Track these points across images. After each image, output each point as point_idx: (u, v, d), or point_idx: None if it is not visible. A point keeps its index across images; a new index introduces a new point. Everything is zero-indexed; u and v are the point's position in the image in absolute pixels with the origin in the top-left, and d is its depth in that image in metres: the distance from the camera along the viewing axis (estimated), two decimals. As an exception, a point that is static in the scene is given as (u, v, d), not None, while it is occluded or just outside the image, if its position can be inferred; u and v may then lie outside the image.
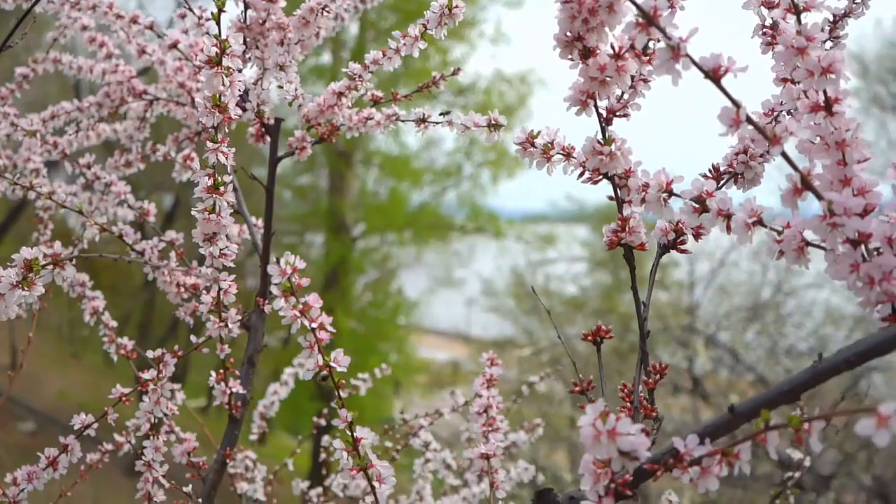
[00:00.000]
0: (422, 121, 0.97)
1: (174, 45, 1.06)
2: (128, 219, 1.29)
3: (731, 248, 6.79)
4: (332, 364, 0.65)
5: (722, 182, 0.71)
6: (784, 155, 0.53)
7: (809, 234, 0.56)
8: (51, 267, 0.67)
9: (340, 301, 10.77)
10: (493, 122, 0.85)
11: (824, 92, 0.55)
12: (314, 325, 0.64)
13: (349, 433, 0.66)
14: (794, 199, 0.53)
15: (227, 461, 1.01)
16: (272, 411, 1.47)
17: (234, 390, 0.99)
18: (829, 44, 0.74)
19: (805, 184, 0.53)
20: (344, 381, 0.67)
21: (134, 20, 1.13)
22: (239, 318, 0.93)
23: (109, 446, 1.16)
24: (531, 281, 9.90)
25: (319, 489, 1.40)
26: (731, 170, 0.70)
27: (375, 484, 0.66)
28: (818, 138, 0.55)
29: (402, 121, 0.99)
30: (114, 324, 1.12)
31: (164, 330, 8.87)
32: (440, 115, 0.91)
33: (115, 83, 1.22)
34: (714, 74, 0.52)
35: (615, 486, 0.56)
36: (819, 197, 0.53)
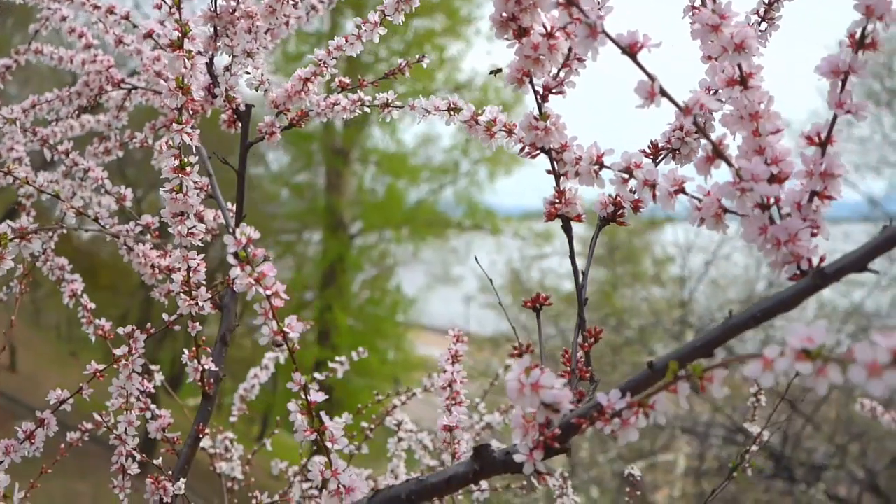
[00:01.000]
0: (385, 105, 1.01)
1: (149, 35, 1.10)
2: (112, 207, 1.33)
3: (723, 240, 6.83)
4: (285, 330, 0.68)
5: (660, 157, 0.74)
6: (697, 126, 0.56)
7: (727, 202, 0.60)
8: (18, 240, 0.71)
9: (338, 298, 10.81)
10: (452, 106, 0.88)
11: (739, 66, 0.58)
12: (269, 292, 0.67)
13: (304, 396, 0.70)
14: (706, 166, 0.57)
15: (200, 436, 1.05)
16: (252, 395, 1.50)
17: (206, 367, 1.02)
18: (763, 25, 0.77)
19: (717, 152, 0.56)
20: (298, 347, 0.70)
21: (110, 10, 1.16)
22: (209, 296, 0.96)
23: (89, 425, 1.19)
24: (527, 277, 9.94)
25: (296, 467, 1.44)
26: (668, 146, 0.74)
27: (328, 444, 0.70)
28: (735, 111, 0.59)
29: (368, 106, 1.03)
30: (92, 305, 1.15)
31: (162, 329, 8.92)
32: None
33: (94, 72, 1.25)
34: (631, 50, 0.56)
35: (544, 439, 0.59)
36: (729, 164, 0.56)
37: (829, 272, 0.52)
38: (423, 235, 12.11)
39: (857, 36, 0.56)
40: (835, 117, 0.57)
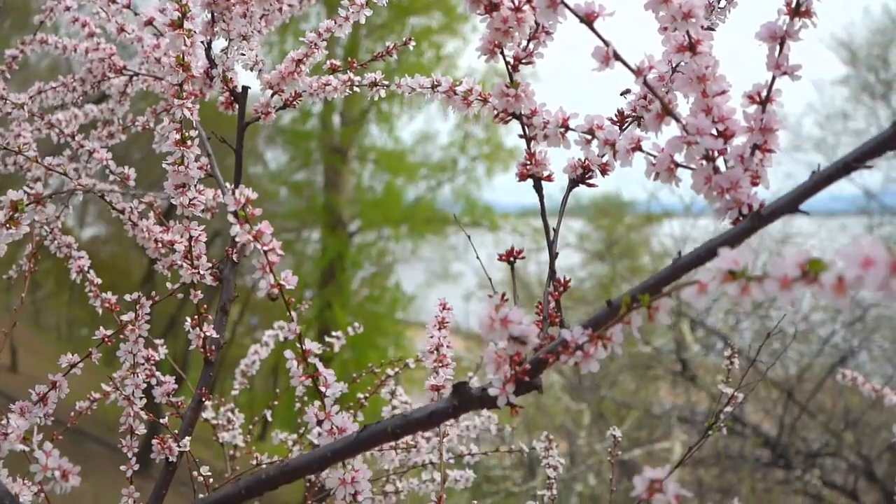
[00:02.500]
0: (374, 84, 1.07)
1: (149, 22, 1.16)
2: (115, 189, 1.39)
3: (716, 231, 6.87)
4: (282, 283, 0.75)
5: (626, 124, 0.80)
6: (647, 85, 0.62)
7: (679, 158, 0.66)
8: (33, 205, 0.77)
9: (338, 296, 10.87)
10: (435, 83, 0.94)
11: (687, 34, 0.64)
12: (266, 248, 0.73)
13: (299, 345, 0.76)
14: (657, 123, 0.63)
15: (203, 400, 1.11)
16: (253, 370, 1.56)
17: (207, 334, 1.08)
18: (723, 2, 0.83)
19: (665, 110, 0.62)
20: (294, 300, 0.76)
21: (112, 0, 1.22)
22: (210, 265, 1.02)
23: (97, 395, 1.25)
24: (525, 273, 9.99)
25: (295, 436, 1.50)
26: (633, 113, 0.80)
27: (322, 389, 0.76)
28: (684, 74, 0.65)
29: (357, 86, 1.09)
30: (98, 281, 1.21)
31: (163, 327, 8.98)
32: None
33: (97, 60, 1.31)
34: (588, 19, 0.62)
35: (516, 374, 0.65)
36: (678, 120, 0.62)
37: (764, 214, 0.58)
38: (422, 233, 12.16)
39: (793, 5, 0.62)
40: (773, 77, 0.63)
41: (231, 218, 0.73)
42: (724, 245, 0.60)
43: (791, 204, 0.57)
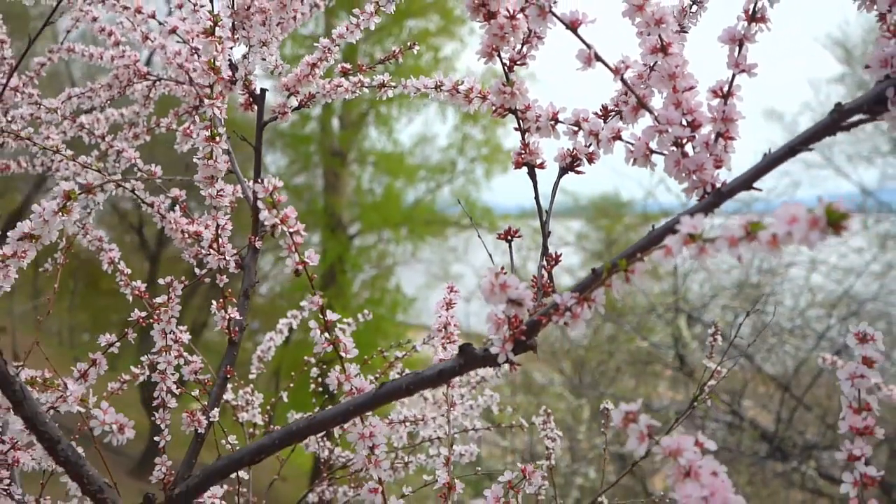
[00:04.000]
0: (382, 85, 1.17)
1: (173, 31, 1.26)
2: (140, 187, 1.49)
3: (710, 228, 6.97)
4: (305, 260, 0.85)
5: (609, 118, 0.90)
6: (624, 82, 0.72)
7: (653, 145, 0.76)
8: (85, 194, 0.87)
9: (338, 299, 10.96)
10: (438, 84, 1.04)
11: (660, 37, 0.74)
12: (292, 230, 0.83)
13: (322, 316, 0.86)
14: (633, 115, 0.73)
15: (228, 376, 1.20)
16: (269, 356, 1.66)
17: (232, 317, 1.18)
18: (695, 7, 0.93)
19: (640, 104, 0.72)
20: (315, 275, 0.86)
21: (138, 10, 1.32)
22: (235, 252, 1.12)
23: (127, 376, 1.35)
24: (524, 272, 10.07)
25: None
26: (616, 108, 0.90)
27: (342, 354, 0.86)
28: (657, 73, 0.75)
29: (367, 87, 1.19)
30: (128, 270, 1.31)
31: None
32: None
33: (123, 67, 1.41)
34: (573, 25, 0.72)
35: (514, 333, 0.75)
36: (651, 112, 0.72)
37: (724, 191, 0.68)
38: (422, 235, 12.25)
39: (750, 11, 0.72)
40: (733, 75, 0.73)
41: (260, 204, 0.83)
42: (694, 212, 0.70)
43: (746, 182, 0.67)
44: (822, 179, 8.89)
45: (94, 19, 1.43)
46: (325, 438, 1.54)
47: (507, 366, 0.77)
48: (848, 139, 8.80)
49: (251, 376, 1.64)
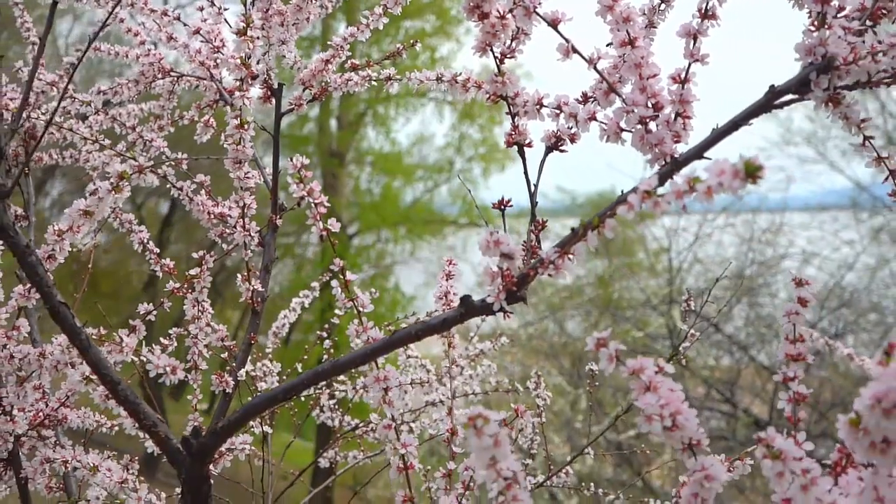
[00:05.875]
0: (388, 79, 1.31)
1: (197, 31, 1.39)
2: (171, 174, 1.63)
3: (704, 222, 7.15)
4: (329, 227, 0.98)
5: (589, 103, 1.04)
6: (597, 70, 0.86)
7: (622, 124, 0.90)
8: (137, 174, 1.00)
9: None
10: (439, 76, 1.18)
11: (627, 33, 0.88)
12: (316, 201, 0.97)
13: (342, 276, 1.00)
14: (605, 98, 0.87)
15: (252, 342, 1.34)
16: (283, 332, 1.80)
17: (255, 288, 1.32)
18: (662, 5, 1.07)
19: (610, 89, 0.86)
20: (337, 241, 1.00)
21: (164, 13, 1.45)
22: (258, 229, 1.26)
23: (165, 341, 1.48)
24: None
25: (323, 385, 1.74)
26: (594, 95, 1.03)
27: (360, 308, 0.99)
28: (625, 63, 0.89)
29: (374, 80, 1.32)
30: (157, 250, 1.44)
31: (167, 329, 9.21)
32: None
33: (148, 64, 1.55)
34: (553, 23, 0.85)
35: (506, 284, 0.88)
36: (619, 95, 0.86)
37: (679, 160, 0.82)
38: (420, 234, 12.38)
39: (703, 10, 0.86)
40: (689, 64, 0.86)
41: (290, 178, 0.97)
42: (659, 180, 0.84)
43: (697, 153, 0.81)
44: (817, 174, 9.04)
45: (122, 21, 1.57)
46: (337, 406, 1.68)
47: (501, 314, 0.90)
48: (842, 134, 8.94)
49: (267, 350, 1.78)
